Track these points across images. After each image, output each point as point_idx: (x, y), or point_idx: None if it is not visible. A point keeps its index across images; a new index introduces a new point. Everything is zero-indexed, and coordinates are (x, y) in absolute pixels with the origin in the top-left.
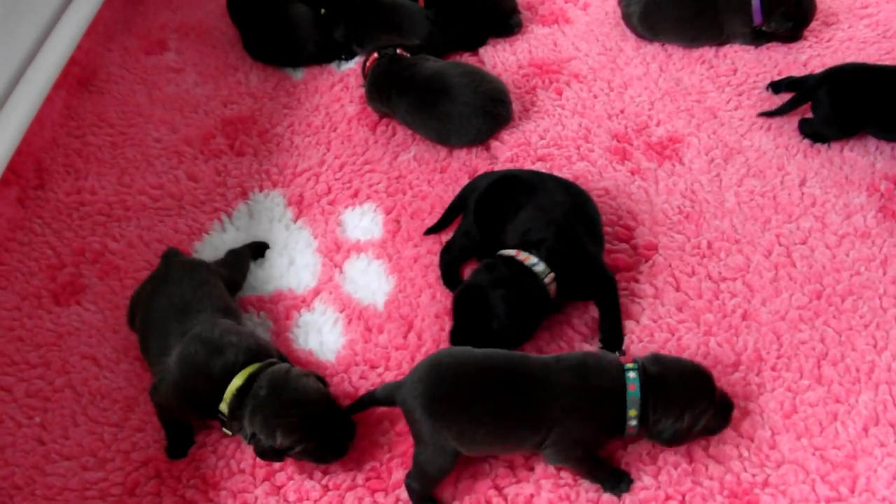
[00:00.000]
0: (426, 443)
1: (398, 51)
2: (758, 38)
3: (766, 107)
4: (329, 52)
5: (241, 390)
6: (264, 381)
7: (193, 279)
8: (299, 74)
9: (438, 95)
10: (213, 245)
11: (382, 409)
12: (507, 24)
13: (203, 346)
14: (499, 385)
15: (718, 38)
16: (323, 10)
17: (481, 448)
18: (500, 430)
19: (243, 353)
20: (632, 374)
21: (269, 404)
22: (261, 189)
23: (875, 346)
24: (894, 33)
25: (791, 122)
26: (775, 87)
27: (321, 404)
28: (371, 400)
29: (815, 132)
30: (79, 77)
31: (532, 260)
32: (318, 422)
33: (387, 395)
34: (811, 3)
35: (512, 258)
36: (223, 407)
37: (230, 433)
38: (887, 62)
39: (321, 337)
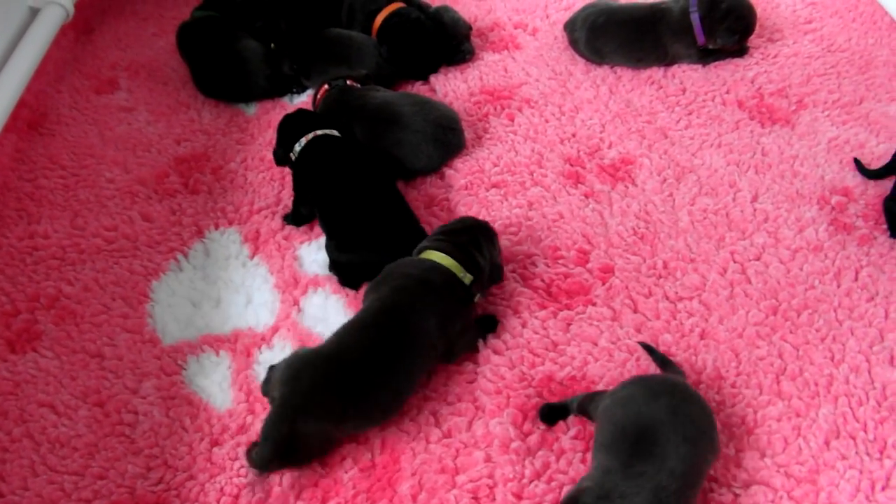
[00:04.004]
0: None
1: (348, 82)
2: (705, 56)
3: (716, 125)
4: (281, 85)
5: (460, 256)
6: (461, 235)
7: None
8: (252, 109)
9: (389, 124)
10: (170, 286)
11: (346, 447)
12: (458, 51)
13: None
14: None
15: (664, 59)
16: (273, 45)
17: None
18: None
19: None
20: None
21: (479, 240)
22: (216, 227)
23: (832, 359)
24: (838, 47)
25: (741, 139)
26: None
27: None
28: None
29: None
30: (29, 120)
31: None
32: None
33: None
34: (752, 12)
35: None
36: (468, 279)
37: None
38: (832, 76)
39: None
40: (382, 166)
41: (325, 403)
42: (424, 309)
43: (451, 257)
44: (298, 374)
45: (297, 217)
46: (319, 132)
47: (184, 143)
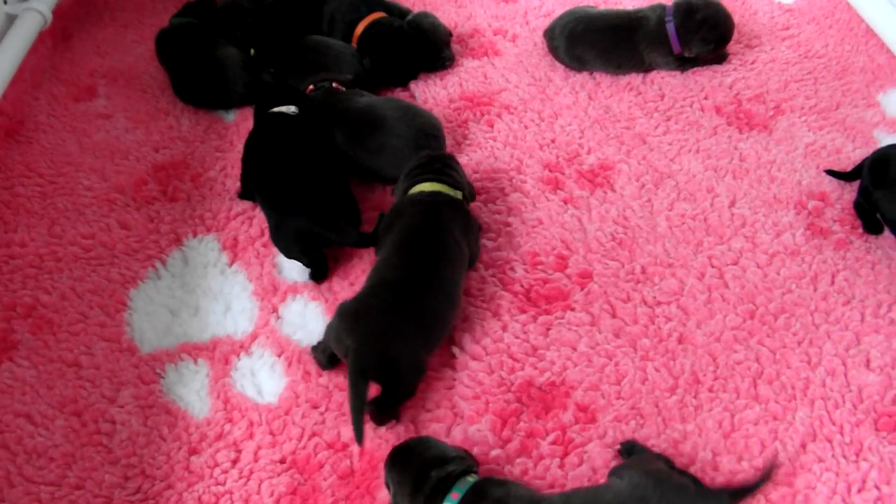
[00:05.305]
0: None
1: (333, 84)
2: (683, 63)
3: (694, 131)
4: (260, 93)
5: (444, 179)
6: (434, 163)
7: None
8: (231, 116)
9: (372, 129)
10: (148, 294)
11: (323, 454)
12: (439, 58)
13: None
14: None
15: (643, 66)
16: (252, 51)
17: None
18: None
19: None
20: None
21: (449, 163)
22: (195, 234)
23: (809, 363)
24: (816, 53)
25: (719, 144)
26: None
27: None
28: None
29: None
30: (6, 127)
31: None
32: None
33: None
34: (727, 21)
35: None
36: (458, 195)
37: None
38: (809, 82)
39: (261, 380)
40: (323, 146)
41: (394, 334)
42: (447, 223)
43: (438, 182)
44: (355, 325)
45: (245, 191)
46: (276, 109)
47: (162, 150)
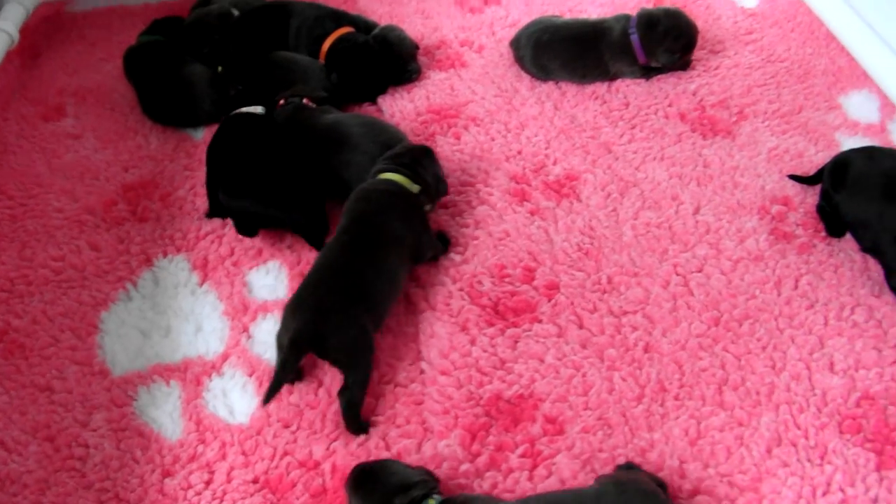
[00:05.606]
0: None
1: (304, 100)
2: (648, 72)
3: (658, 139)
4: (227, 110)
5: (405, 172)
6: (403, 156)
7: None
8: (199, 134)
9: (338, 145)
10: (120, 316)
11: (295, 472)
12: (405, 71)
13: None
14: None
15: (608, 75)
16: (220, 68)
17: None
18: None
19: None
20: None
21: (418, 158)
22: (165, 255)
23: (773, 368)
24: (778, 57)
25: (683, 151)
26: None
27: None
28: None
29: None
30: None
31: None
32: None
33: None
34: (690, 30)
35: None
36: (415, 189)
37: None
38: (772, 86)
39: (233, 401)
40: (287, 142)
41: (330, 306)
42: (387, 211)
43: (398, 174)
44: (297, 307)
45: (213, 209)
46: (244, 110)
47: (131, 170)
